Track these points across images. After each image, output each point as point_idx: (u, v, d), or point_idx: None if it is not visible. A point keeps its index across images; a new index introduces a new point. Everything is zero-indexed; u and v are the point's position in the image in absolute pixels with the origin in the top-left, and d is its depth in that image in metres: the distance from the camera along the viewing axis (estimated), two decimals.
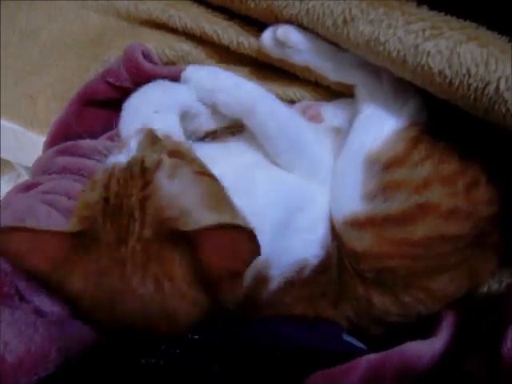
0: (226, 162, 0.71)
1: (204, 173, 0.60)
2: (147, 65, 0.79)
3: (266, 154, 0.74)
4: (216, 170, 0.66)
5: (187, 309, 0.56)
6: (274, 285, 0.68)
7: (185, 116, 0.73)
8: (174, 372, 0.54)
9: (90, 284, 0.55)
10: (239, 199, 0.65)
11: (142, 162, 0.58)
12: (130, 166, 0.58)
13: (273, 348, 0.62)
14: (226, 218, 0.55)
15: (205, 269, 0.55)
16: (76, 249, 0.55)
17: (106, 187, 0.57)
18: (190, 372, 0.55)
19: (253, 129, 0.73)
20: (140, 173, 0.57)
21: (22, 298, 0.59)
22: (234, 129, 0.78)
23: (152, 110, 0.69)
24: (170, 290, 0.55)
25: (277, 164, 0.74)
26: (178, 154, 0.61)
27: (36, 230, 0.54)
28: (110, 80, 0.81)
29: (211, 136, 0.78)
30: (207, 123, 0.77)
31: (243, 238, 0.52)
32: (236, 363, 0.58)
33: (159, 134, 0.64)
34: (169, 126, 0.68)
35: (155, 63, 0.82)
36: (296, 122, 0.75)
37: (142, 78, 0.79)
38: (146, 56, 0.82)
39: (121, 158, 0.60)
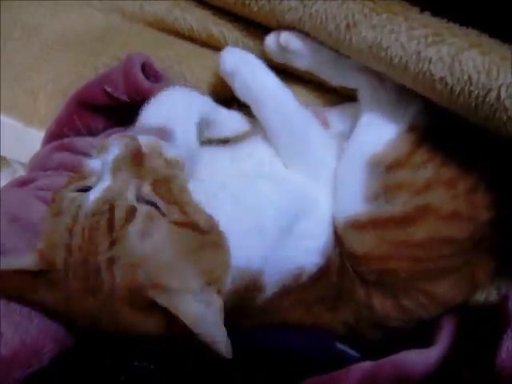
0: (230, 168, 0.71)
1: (183, 223, 0.56)
2: (146, 83, 0.78)
3: (272, 158, 0.74)
4: (219, 179, 0.67)
5: None
6: (269, 292, 0.68)
7: (202, 123, 0.72)
8: (166, 374, 0.54)
9: (60, 310, 0.56)
10: (241, 211, 0.66)
11: (111, 209, 0.54)
12: (97, 211, 0.54)
13: (266, 354, 0.63)
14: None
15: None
16: (39, 280, 0.55)
17: (70, 231, 0.54)
18: (184, 375, 0.55)
19: (260, 119, 0.74)
20: (107, 227, 0.53)
21: None
22: (244, 136, 0.77)
23: (172, 117, 0.68)
24: None
25: (283, 162, 0.74)
26: (165, 183, 0.58)
27: (3, 271, 0.54)
28: (108, 90, 0.80)
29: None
30: (222, 130, 0.76)
31: None
32: (230, 368, 0.58)
33: (147, 146, 0.59)
34: (185, 134, 0.66)
35: (157, 71, 0.81)
36: (303, 120, 0.75)
37: (139, 96, 0.78)
38: (147, 65, 0.80)
39: (93, 188, 0.56)
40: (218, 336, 0.52)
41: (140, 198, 0.56)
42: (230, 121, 0.78)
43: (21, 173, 1.08)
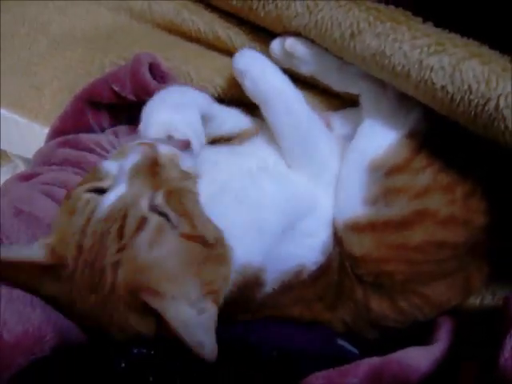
0: (234, 168, 0.71)
1: (191, 236, 0.58)
2: (153, 84, 0.79)
3: (276, 158, 0.75)
4: (222, 177, 0.68)
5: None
6: (269, 288, 0.69)
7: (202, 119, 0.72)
8: (165, 363, 0.54)
9: (63, 303, 0.57)
10: (245, 209, 0.67)
11: (124, 217, 0.56)
12: (110, 217, 0.56)
13: (268, 348, 0.63)
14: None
15: None
16: (46, 275, 0.57)
17: (82, 232, 0.56)
18: (181, 365, 0.55)
19: (267, 117, 0.74)
20: (118, 233, 0.55)
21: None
22: (246, 135, 0.78)
23: (174, 112, 0.68)
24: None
25: (287, 162, 0.75)
26: (178, 195, 0.60)
27: (12, 261, 0.56)
28: (116, 88, 0.81)
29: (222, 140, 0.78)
30: (221, 127, 0.77)
31: None
32: (230, 361, 0.58)
33: (165, 157, 0.61)
34: (192, 126, 0.67)
35: (164, 72, 0.83)
36: (310, 120, 0.75)
37: (146, 96, 0.78)
38: (154, 66, 0.82)
39: (108, 192, 0.58)
40: (205, 342, 0.54)
41: (152, 208, 0.57)
42: (230, 118, 0.79)
43: (21, 168, 1.08)
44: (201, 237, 0.58)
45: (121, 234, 0.55)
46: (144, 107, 0.71)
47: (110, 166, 0.61)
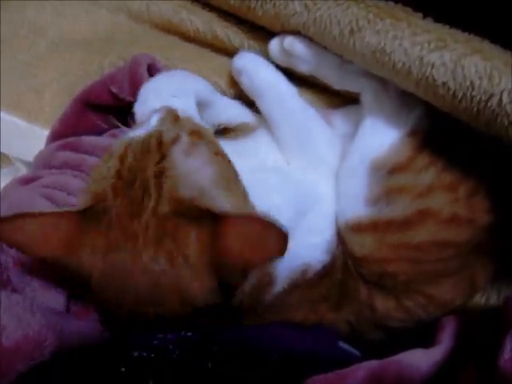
0: (239, 163, 0.70)
1: (220, 154, 0.62)
2: None
3: (276, 155, 0.76)
4: None
5: (198, 289, 0.55)
6: (278, 287, 0.68)
7: (198, 106, 0.74)
8: (165, 366, 0.54)
9: (100, 259, 0.55)
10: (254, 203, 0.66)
11: (160, 135, 0.59)
12: (147, 139, 0.59)
13: (269, 350, 0.63)
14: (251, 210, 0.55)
15: (221, 253, 0.53)
16: (85, 226, 0.55)
17: (121, 159, 0.57)
18: (181, 368, 0.55)
19: (263, 113, 0.77)
20: (156, 146, 0.58)
21: (14, 290, 0.59)
22: (247, 129, 0.79)
23: (170, 94, 0.70)
24: (182, 267, 0.54)
25: (285, 157, 0.76)
26: (198, 134, 0.62)
27: (41, 214, 0.54)
28: (114, 90, 0.81)
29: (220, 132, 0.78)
30: (220, 115, 0.78)
31: (276, 236, 0.51)
32: (230, 363, 0.58)
33: (181, 115, 0.65)
34: (187, 109, 0.68)
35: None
36: (305, 114, 0.77)
37: None
38: (153, 67, 0.81)
39: (139, 132, 0.60)
40: None
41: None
42: (230, 107, 0.80)
43: (23, 171, 1.08)
44: (226, 155, 0.62)
45: (160, 146, 0.57)
46: (141, 87, 0.73)
47: (134, 132, 0.62)
